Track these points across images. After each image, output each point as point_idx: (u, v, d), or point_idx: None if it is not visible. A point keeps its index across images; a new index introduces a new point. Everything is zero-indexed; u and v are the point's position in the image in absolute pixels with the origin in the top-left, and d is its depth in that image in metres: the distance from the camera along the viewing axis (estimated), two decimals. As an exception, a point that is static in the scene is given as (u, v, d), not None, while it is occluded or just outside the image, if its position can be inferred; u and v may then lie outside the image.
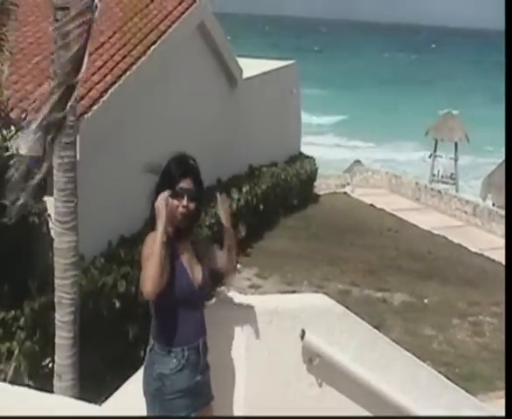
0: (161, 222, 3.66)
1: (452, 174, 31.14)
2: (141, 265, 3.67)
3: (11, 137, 10.02)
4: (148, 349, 3.82)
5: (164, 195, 3.72)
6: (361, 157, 37.03)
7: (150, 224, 3.76)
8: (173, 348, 3.74)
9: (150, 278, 3.56)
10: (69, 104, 5.75)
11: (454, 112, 32.54)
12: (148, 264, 3.59)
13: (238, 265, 16.39)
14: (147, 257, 3.64)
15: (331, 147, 48.69)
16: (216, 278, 4.14)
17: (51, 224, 9.59)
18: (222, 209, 3.95)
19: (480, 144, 42.33)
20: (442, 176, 31.40)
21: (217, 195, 3.96)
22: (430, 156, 31.83)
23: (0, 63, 9.33)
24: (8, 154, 9.40)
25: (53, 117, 5.69)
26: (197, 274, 3.83)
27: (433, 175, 31.37)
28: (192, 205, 3.78)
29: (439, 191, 27.09)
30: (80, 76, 5.80)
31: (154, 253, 3.59)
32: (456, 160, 30.89)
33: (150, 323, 3.89)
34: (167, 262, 3.64)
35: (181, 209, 3.76)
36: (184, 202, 3.76)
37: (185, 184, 3.77)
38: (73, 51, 5.71)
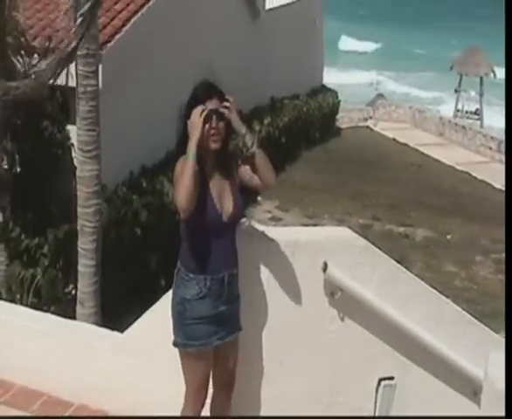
0: (196, 132, 3.57)
1: (476, 109, 30.70)
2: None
3: (35, 65, 9.97)
4: (175, 271, 3.80)
5: (200, 108, 3.62)
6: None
7: (181, 148, 3.65)
8: (196, 275, 3.71)
9: (183, 189, 3.50)
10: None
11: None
12: (181, 179, 3.52)
13: (259, 198, 16.40)
14: (179, 175, 3.56)
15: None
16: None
17: (74, 153, 9.60)
18: (228, 114, 3.68)
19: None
20: (466, 112, 30.98)
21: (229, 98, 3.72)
22: (455, 92, 31.34)
23: None
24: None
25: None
26: (227, 205, 3.73)
27: (458, 111, 30.95)
28: (221, 125, 3.67)
29: (464, 126, 26.74)
30: None
31: (187, 165, 3.53)
32: (481, 95, 30.39)
33: (171, 253, 3.85)
34: (198, 181, 3.57)
35: (212, 131, 3.65)
36: (213, 123, 3.65)
37: (211, 105, 3.65)
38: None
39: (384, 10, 74.54)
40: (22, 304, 8.36)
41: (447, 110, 31.93)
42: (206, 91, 3.72)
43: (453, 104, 31.65)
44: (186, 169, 3.54)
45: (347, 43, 60.68)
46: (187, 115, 3.69)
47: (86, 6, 5.93)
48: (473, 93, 31.22)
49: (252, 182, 3.83)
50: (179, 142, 3.71)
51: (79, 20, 5.98)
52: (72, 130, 9.60)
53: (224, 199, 3.75)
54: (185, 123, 3.70)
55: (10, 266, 9.32)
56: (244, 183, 3.85)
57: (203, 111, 3.62)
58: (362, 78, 47.49)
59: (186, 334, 3.76)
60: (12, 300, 8.32)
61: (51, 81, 7.09)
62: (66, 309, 8.11)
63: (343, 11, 63.26)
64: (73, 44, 5.98)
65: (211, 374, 3.92)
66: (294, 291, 4.15)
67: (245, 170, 3.83)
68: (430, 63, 51.75)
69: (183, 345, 3.77)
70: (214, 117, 3.65)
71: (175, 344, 3.80)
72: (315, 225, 14.19)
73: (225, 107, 3.68)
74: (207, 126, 3.64)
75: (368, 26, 64.09)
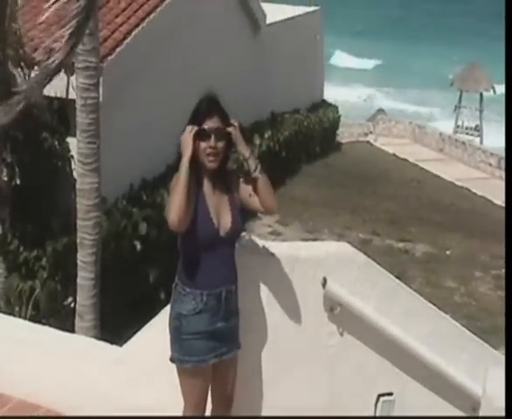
0: (186, 150, 3.55)
1: (476, 125, 30.76)
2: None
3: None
4: (173, 286, 3.79)
5: (190, 127, 3.61)
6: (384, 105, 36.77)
7: (178, 163, 3.63)
8: (192, 290, 3.69)
9: (174, 206, 3.49)
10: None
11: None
12: (173, 194, 3.52)
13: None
14: (172, 189, 3.56)
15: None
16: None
17: (73, 165, 9.60)
18: (234, 136, 3.67)
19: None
20: (466, 128, 31.05)
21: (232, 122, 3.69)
22: (455, 109, 31.42)
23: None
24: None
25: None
26: (225, 220, 3.70)
27: (457, 126, 31.02)
28: (220, 144, 3.63)
29: (463, 142, 26.80)
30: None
31: (178, 182, 3.51)
32: (481, 111, 30.46)
33: (170, 267, 3.84)
34: (192, 195, 3.56)
35: (209, 150, 3.62)
36: (212, 142, 3.61)
37: (211, 123, 3.62)
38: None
39: (381, 26, 74.72)
40: (20, 316, 8.35)
41: (446, 126, 32.02)
42: (208, 107, 3.68)
43: (452, 120, 31.73)
44: (178, 184, 3.52)
45: (342, 59, 60.72)
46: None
47: (74, 21, 5.93)
48: (473, 109, 31.27)
49: (254, 205, 3.78)
50: (179, 156, 3.70)
51: (68, 33, 5.97)
52: (71, 142, 9.61)
53: (222, 214, 3.72)
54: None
55: (9, 279, 9.29)
56: (244, 204, 3.81)
57: (192, 128, 3.61)
58: (357, 94, 47.72)
59: (182, 350, 3.73)
60: (11, 313, 8.29)
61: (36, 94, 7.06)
62: (65, 322, 8.08)
63: (340, 27, 63.37)
64: (59, 58, 5.96)
65: (210, 390, 3.90)
66: (293, 307, 4.15)
67: (245, 189, 3.78)
68: (429, 79, 51.88)
69: (180, 360, 3.74)
70: (213, 136, 3.62)
71: (172, 359, 3.77)
72: (315, 240, 14.18)
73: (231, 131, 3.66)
74: (205, 144, 3.62)
75: (365, 42, 64.28)
